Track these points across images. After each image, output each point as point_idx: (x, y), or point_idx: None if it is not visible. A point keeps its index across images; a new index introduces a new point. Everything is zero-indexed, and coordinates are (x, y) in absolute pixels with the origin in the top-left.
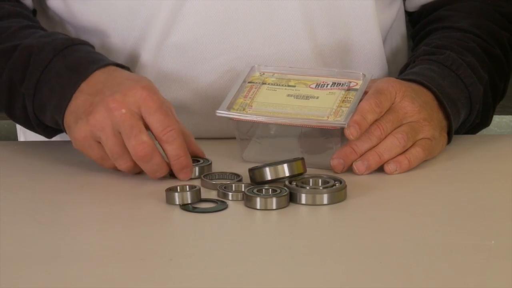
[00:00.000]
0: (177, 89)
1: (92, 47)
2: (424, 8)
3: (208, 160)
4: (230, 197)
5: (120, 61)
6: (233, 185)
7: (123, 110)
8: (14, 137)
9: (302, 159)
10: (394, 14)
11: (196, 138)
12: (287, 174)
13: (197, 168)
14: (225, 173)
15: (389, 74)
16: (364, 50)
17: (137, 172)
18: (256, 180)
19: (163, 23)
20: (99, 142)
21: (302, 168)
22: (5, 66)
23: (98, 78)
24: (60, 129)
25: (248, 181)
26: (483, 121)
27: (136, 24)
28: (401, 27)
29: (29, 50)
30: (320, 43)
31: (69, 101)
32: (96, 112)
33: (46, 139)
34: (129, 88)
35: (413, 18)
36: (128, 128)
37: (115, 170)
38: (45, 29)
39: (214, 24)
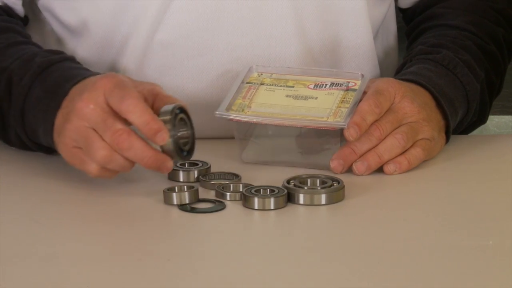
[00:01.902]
0: (163, 87)
1: (73, 60)
2: (417, 5)
3: (207, 163)
4: (228, 197)
5: (107, 59)
6: (231, 185)
7: (91, 106)
8: None
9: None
10: (385, 10)
11: None
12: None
13: (195, 172)
14: (224, 173)
15: (381, 72)
16: (354, 46)
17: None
18: None
19: (150, 21)
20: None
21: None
22: None
23: (73, 93)
24: None
25: (247, 181)
26: (480, 119)
27: (123, 21)
28: (392, 26)
29: (10, 79)
30: (310, 40)
31: (53, 123)
32: (70, 121)
33: None
34: (93, 84)
35: (406, 16)
36: (100, 122)
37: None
38: (35, 43)
39: (202, 22)
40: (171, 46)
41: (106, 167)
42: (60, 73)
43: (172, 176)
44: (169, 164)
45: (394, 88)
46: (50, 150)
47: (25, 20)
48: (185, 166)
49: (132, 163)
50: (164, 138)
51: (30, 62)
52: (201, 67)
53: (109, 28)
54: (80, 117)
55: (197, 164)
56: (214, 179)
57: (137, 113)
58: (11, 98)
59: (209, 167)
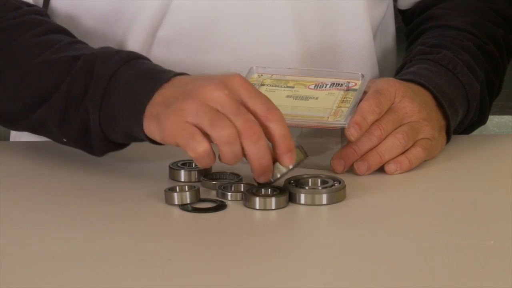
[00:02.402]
0: None
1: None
2: (417, 6)
3: None
4: (229, 197)
5: None
6: (232, 185)
7: (226, 91)
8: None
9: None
10: (384, 10)
11: None
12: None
13: (197, 171)
14: (225, 173)
15: (380, 73)
16: (353, 46)
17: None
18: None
19: (150, 18)
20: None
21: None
22: (65, 77)
23: (180, 80)
24: (121, 145)
25: (248, 181)
26: (480, 119)
27: (123, 19)
28: (390, 27)
29: (92, 61)
30: (309, 40)
31: (146, 104)
32: (192, 98)
33: (44, 139)
34: (225, 76)
35: (406, 17)
36: (235, 107)
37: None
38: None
39: (201, 21)
40: (172, 44)
41: (214, 151)
42: (151, 66)
43: (173, 175)
44: (270, 176)
45: (395, 87)
46: (105, 148)
47: None
48: (186, 166)
49: (240, 157)
50: (292, 160)
51: (113, 49)
52: (200, 66)
53: (108, 25)
54: (211, 97)
55: None
56: (215, 179)
57: (281, 124)
58: (92, 79)
59: (210, 167)
